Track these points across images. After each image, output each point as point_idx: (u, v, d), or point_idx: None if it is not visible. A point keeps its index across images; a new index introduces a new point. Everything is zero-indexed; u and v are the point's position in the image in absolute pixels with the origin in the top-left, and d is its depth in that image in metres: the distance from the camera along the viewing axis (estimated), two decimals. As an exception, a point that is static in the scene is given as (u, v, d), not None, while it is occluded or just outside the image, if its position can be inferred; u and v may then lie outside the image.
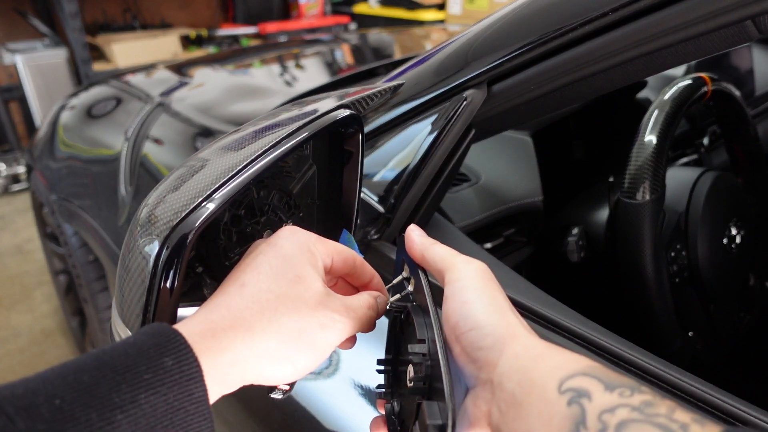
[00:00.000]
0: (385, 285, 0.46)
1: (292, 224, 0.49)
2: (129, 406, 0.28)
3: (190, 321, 0.35)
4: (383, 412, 0.42)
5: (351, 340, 0.43)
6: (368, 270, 0.45)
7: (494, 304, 0.35)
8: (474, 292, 0.35)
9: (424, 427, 0.33)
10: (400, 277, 0.44)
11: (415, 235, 0.41)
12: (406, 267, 0.43)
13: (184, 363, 0.30)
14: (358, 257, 0.44)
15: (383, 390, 0.42)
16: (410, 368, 0.38)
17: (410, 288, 0.42)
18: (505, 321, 0.34)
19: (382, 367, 0.43)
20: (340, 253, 0.42)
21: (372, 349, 0.55)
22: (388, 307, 0.44)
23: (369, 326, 0.42)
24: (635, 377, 0.51)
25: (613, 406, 0.28)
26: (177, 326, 0.33)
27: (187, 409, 0.29)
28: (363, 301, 0.41)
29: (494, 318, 0.34)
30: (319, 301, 0.38)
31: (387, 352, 0.44)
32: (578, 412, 0.28)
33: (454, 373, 0.35)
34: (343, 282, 0.46)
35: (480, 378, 0.34)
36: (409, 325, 0.40)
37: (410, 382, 0.37)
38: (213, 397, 0.32)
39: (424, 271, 0.41)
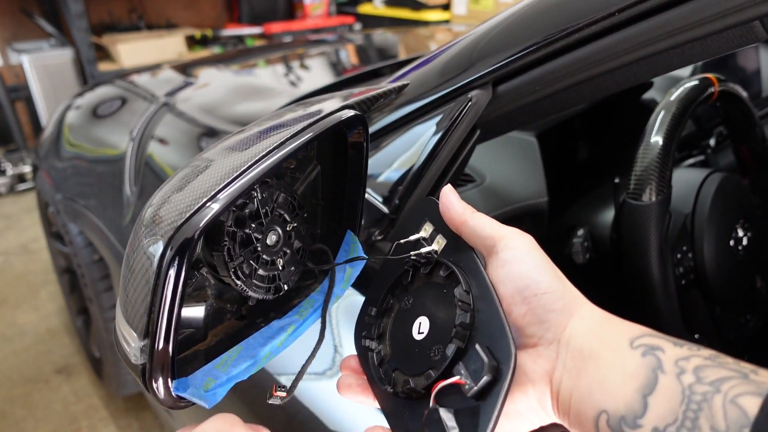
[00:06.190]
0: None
1: (296, 225, 0.49)
2: None
3: None
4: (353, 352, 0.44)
5: None
6: None
7: (558, 274, 0.37)
8: (541, 260, 0.38)
9: (478, 368, 0.35)
10: (418, 236, 0.45)
11: (455, 198, 0.41)
12: (425, 228, 0.44)
13: None
14: None
15: (366, 333, 0.44)
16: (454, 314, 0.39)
17: (434, 246, 0.43)
18: (570, 289, 0.37)
19: (373, 308, 0.45)
20: None
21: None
22: (403, 258, 0.45)
23: None
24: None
25: (686, 356, 0.31)
26: None
27: None
28: None
29: (562, 285, 0.37)
30: None
31: (381, 296, 0.45)
32: (654, 361, 0.31)
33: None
34: None
35: (545, 338, 0.36)
36: (428, 275, 0.42)
37: (454, 327, 0.38)
38: None
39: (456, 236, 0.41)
